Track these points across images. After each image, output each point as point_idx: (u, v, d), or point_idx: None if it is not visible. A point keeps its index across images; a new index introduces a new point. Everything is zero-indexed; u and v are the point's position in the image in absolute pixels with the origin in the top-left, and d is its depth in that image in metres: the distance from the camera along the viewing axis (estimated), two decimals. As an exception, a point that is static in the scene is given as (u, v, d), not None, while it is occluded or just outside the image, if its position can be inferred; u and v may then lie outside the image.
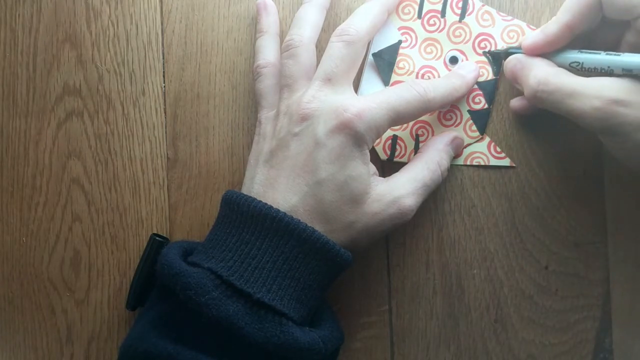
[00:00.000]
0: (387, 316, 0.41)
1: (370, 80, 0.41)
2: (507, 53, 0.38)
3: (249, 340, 0.32)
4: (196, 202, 0.42)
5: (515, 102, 0.39)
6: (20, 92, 0.43)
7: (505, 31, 0.40)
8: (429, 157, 0.38)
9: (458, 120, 0.40)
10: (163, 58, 0.43)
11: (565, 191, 0.40)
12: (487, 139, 0.40)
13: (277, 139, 0.36)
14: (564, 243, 0.40)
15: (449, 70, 0.40)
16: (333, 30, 0.37)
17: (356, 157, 0.35)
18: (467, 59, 0.40)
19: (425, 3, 0.40)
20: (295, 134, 0.35)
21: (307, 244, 0.33)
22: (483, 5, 0.40)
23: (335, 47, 0.36)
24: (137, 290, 0.40)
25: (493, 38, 0.40)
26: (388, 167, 0.40)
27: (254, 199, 0.34)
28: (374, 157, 0.40)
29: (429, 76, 0.40)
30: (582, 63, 0.35)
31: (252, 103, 0.42)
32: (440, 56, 0.40)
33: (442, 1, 0.40)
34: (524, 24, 0.40)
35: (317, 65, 0.37)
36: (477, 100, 0.40)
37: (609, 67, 0.34)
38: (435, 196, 0.41)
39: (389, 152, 0.40)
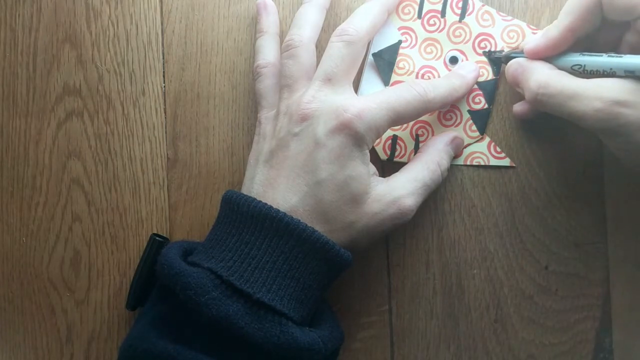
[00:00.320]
0: (387, 316, 0.41)
1: (370, 80, 0.41)
2: (508, 57, 0.38)
3: (248, 340, 0.32)
4: (196, 202, 0.42)
5: (518, 107, 0.39)
6: (20, 92, 0.43)
7: (505, 31, 0.40)
8: (429, 157, 0.38)
9: (458, 120, 0.40)
10: (163, 58, 0.43)
11: (565, 191, 0.40)
12: (487, 139, 0.41)
13: (277, 139, 0.36)
14: (564, 243, 0.40)
15: (449, 70, 0.40)
16: (333, 30, 0.37)
17: (356, 157, 0.35)
18: (467, 59, 0.40)
19: (425, 3, 0.40)
20: (295, 134, 0.35)
21: (307, 244, 0.33)
22: (483, 5, 0.40)
23: (335, 47, 0.36)
24: (137, 290, 0.40)
25: (493, 38, 0.40)
26: (388, 167, 0.40)
27: (253, 199, 0.34)
28: (374, 157, 0.40)
29: (429, 76, 0.40)
30: (584, 65, 0.35)
31: (252, 103, 0.42)
32: (440, 56, 0.40)
33: (442, 1, 0.40)
34: (524, 24, 0.40)
35: (317, 65, 0.37)
36: (477, 100, 0.40)
37: (611, 69, 0.34)
38: (435, 196, 0.41)
39: (389, 152, 0.40)
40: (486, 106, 0.40)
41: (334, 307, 0.39)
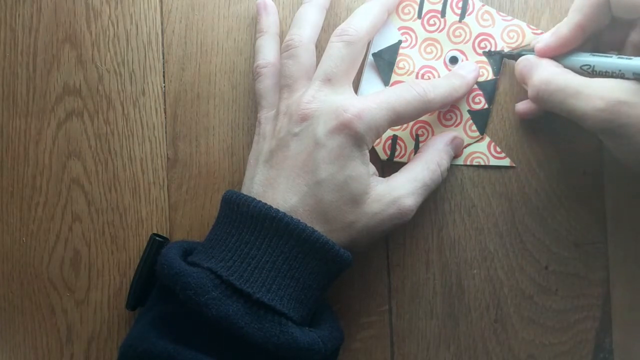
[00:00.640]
0: (387, 316, 0.41)
1: (370, 80, 0.41)
2: (518, 55, 0.38)
3: (248, 340, 0.32)
4: (196, 202, 0.42)
5: (521, 106, 0.39)
6: (20, 92, 0.43)
7: (505, 31, 0.40)
8: (429, 157, 0.38)
9: (458, 120, 0.40)
10: (163, 58, 0.43)
11: (565, 191, 0.40)
12: (487, 139, 0.40)
13: (276, 139, 0.36)
14: (564, 243, 0.40)
15: (449, 70, 0.40)
16: (333, 30, 0.37)
17: (356, 158, 0.35)
18: (467, 59, 0.40)
19: (425, 3, 0.40)
20: (295, 134, 0.35)
21: (307, 244, 0.33)
22: (483, 5, 0.40)
23: (335, 47, 0.36)
24: (137, 290, 0.40)
25: (493, 38, 0.40)
26: (388, 167, 0.40)
27: (253, 199, 0.34)
28: (374, 157, 0.40)
29: (429, 76, 0.40)
30: (594, 66, 0.35)
31: (252, 103, 0.42)
32: (440, 56, 0.40)
33: (442, 1, 0.40)
34: (524, 24, 0.40)
35: (317, 65, 0.37)
36: (477, 100, 0.40)
37: (619, 70, 0.34)
38: (435, 196, 0.41)
39: (389, 152, 0.40)
40: (486, 106, 0.40)
41: (334, 307, 0.39)
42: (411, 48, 0.41)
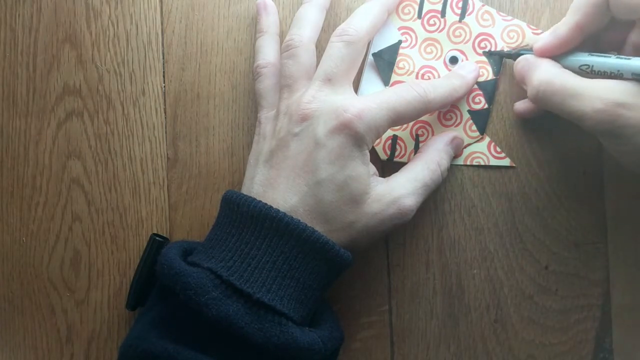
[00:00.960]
0: (387, 316, 0.41)
1: (370, 80, 0.41)
2: (517, 54, 0.38)
3: (248, 340, 0.32)
4: (196, 202, 0.42)
5: (519, 106, 0.39)
6: (20, 92, 0.43)
7: (505, 31, 0.40)
8: (429, 157, 0.38)
9: (458, 120, 0.40)
10: (163, 58, 0.43)
11: (565, 191, 0.40)
12: (487, 139, 0.40)
13: (277, 139, 0.36)
14: (564, 243, 0.40)
15: (449, 70, 0.40)
16: (333, 30, 0.37)
17: (356, 158, 0.35)
18: (467, 59, 0.40)
19: (425, 3, 0.40)
20: (295, 134, 0.35)
21: (307, 244, 0.33)
22: (483, 5, 0.40)
23: (335, 47, 0.36)
24: (137, 290, 0.40)
25: (493, 38, 0.40)
26: (388, 167, 0.40)
27: (253, 199, 0.34)
28: (374, 157, 0.40)
29: (429, 76, 0.40)
30: (592, 66, 0.35)
31: (252, 103, 0.42)
32: (440, 56, 0.40)
33: (442, 1, 0.40)
34: (524, 24, 0.40)
35: (317, 65, 0.37)
36: (477, 100, 0.40)
37: (618, 70, 0.34)
38: (435, 196, 0.41)
39: (389, 152, 0.40)
40: (486, 106, 0.40)
41: (334, 307, 0.39)
42: (411, 48, 0.41)
